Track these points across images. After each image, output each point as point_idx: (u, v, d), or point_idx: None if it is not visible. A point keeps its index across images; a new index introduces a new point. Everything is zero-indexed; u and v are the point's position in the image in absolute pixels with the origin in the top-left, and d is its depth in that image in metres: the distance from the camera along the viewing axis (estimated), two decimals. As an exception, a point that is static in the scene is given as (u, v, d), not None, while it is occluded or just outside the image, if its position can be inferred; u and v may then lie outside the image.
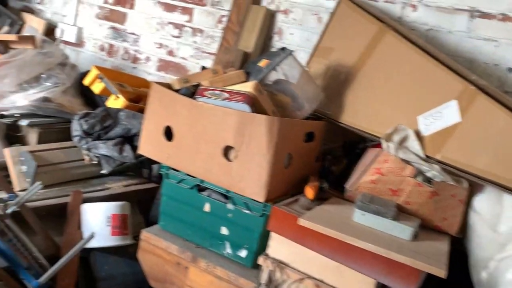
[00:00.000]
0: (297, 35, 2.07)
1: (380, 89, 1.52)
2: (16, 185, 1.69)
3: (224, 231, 1.51)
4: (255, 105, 1.36)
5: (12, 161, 1.72)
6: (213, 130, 1.38)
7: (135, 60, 2.57)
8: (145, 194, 2.02)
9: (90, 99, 2.20)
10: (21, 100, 1.84)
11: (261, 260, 1.30)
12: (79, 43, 2.74)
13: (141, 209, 1.99)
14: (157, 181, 2.11)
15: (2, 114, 1.82)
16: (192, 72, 2.36)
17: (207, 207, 1.53)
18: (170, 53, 2.44)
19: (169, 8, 2.42)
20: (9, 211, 1.47)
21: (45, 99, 1.88)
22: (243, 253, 1.48)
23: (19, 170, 1.72)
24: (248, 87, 1.36)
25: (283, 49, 1.55)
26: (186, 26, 2.38)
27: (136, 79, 2.41)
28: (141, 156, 1.95)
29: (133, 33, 2.56)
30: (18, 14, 2.74)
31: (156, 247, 1.60)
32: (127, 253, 1.76)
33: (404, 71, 1.49)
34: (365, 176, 1.33)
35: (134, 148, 1.97)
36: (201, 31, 2.33)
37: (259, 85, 1.37)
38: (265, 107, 1.39)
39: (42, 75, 1.96)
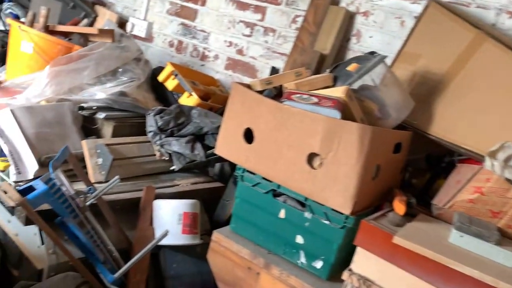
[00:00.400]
0: (377, 39, 1.98)
1: (479, 101, 1.41)
2: (92, 177, 1.71)
3: (300, 239, 1.46)
4: (345, 112, 1.30)
5: (88, 153, 1.74)
6: (299, 136, 1.33)
7: (203, 57, 2.56)
8: (211, 193, 2.01)
9: (161, 95, 2.21)
10: (99, 93, 1.87)
11: (345, 275, 1.24)
12: (148, 38, 2.77)
13: (205, 208, 1.97)
14: (223, 181, 2.10)
15: (82, 106, 1.85)
16: (261, 72, 2.33)
17: (282, 214, 1.49)
18: (240, 52, 2.41)
19: (242, 6, 2.39)
20: (88, 203, 1.49)
21: (122, 93, 1.90)
22: (318, 264, 1.43)
23: (95, 162, 1.74)
24: (339, 92, 1.30)
25: (372, 53, 1.48)
26: (257, 25, 2.34)
27: (204, 76, 2.41)
28: (211, 155, 1.95)
29: (203, 30, 2.55)
30: (92, 7, 2.80)
31: (227, 250, 1.57)
32: (194, 252, 1.75)
33: (509, 83, 1.37)
34: (462, 194, 1.24)
35: (205, 146, 1.95)
36: (273, 30, 2.29)
37: (350, 90, 1.31)
38: (355, 114, 1.32)
39: (119, 69, 1.98)
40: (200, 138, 1.96)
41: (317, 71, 1.91)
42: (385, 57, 1.42)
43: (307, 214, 1.42)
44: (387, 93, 1.44)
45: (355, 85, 1.43)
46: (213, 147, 1.95)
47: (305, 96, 1.31)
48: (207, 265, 1.67)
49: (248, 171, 1.53)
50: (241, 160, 1.51)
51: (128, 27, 2.79)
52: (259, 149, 1.45)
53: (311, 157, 1.33)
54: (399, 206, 1.28)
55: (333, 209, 1.34)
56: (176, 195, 1.84)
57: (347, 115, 1.31)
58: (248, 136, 1.49)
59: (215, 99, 2.22)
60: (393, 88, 1.44)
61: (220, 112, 2.13)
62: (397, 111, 1.45)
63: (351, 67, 1.40)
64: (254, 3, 2.34)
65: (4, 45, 2.55)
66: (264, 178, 1.49)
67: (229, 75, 2.45)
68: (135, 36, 2.79)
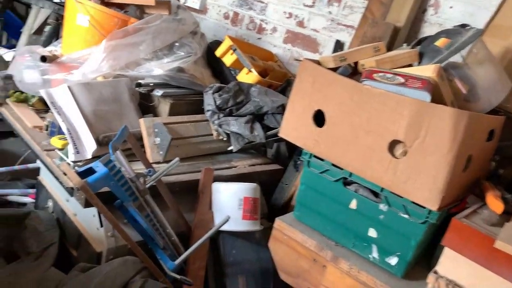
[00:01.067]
0: (458, 9, 1.76)
1: None
2: (150, 157, 1.64)
3: (372, 233, 1.33)
4: (434, 94, 1.13)
5: (146, 132, 1.67)
6: (380, 120, 1.18)
7: (260, 30, 2.42)
8: (268, 175, 1.91)
9: (217, 71, 2.10)
10: (157, 69, 1.78)
11: (431, 279, 1.11)
12: (202, 10, 2.65)
13: (263, 190, 1.88)
14: (279, 162, 1.99)
15: (139, 83, 1.78)
16: (323, 46, 2.17)
17: (353, 204, 1.36)
18: (300, 24, 2.25)
19: (303, -26, 2.22)
20: (148, 185, 1.43)
21: (179, 70, 1.80)
22: (393, 261, 1.30)
23: (153, 142, 1.67)
24: (428, 71, 1.13)
25: (463, 26, 1.29)
26: (320, -5, 2.17)
27: (262, 51, 2.27)
28: (271, 136, 1.83)
29: (260, 1, 2.40)
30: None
31: (291, 239, 1.47)
32: (253, 238, 1.67)
33: None
34: None
35: (263, 126, 1.84)
36: (338, 0, 2.10)
37: (441, 69, 1.14)
38: (445, 97, 1.16)
39: (175, 44, 1.88)
40: (259, 117, 1.84)
41: (390, 46, 1.73)
42: (481, 31, 1.23)
43: (383, 206, 1.29)
44: (479, 73, 1.25)
45: (444, 63, 1.26)
46: (273, 128, 1.84)
47: (389, 75, 1.15)
48: (267, 251, 1.58)
49: (316, 156, 1.40)
50: (309, 145, 1.38)
51: (182, -1, 2.68)
52: (331, 134, 1.31)
53: (393, 145, 1.19)
54: (496, 203, 1.12)
55: (413, 202, 1.20)
56: (234, 177, 1.76)
57: (436, 97, 1.15)
58: (318, 118, 1.35)
59: (273, 76, 2.09)
60: (487, 67, 1.25)
61: (280, 90, 2.00)
62: (491, 93, 1.27)
63: (440, 42, 1.23)
64: (317, -29, 2.16)
65: (59, 18, 2.52)
66: (334, 165, 1.36)
67: (288, 49, 2.30)
68: (188, 8, 2.67)
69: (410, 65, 1.30)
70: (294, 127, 1.42)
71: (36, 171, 2.24)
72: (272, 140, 1.87)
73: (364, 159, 1.25)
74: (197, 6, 2.63)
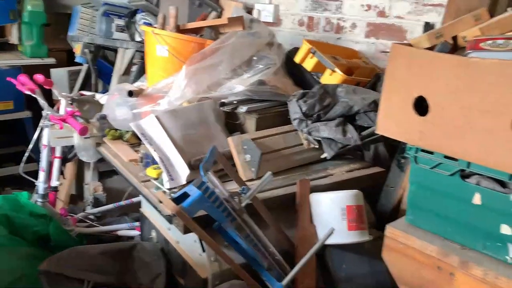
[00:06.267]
0: None
1: None
2: (242, 175, 1.59)
3: (506, 230, 1.13)
4: None
5: (236, 150, 1.63)
6: (497, 96, 1.00)
7: (338, 29, 2.30)
8: (370, 180, 1.76)
9: (299, 78, 2.02)
10: (238, 86, 1.75)
11: None
12: (275, 22, 2.61)
13: (366, 197, 1.72)
14: (380, 164, 1.83)
15: (223, 102, 1.76)
16: (411, 32, 1.98)
17: (477, 199, 1.17)
18: (381, 14, 2.09)
19: (376, -40, 2.07)
20: (243, 204, 1.37)
21: (260, 82, 1.75)
22: (538, 261, 1.08)
23: (243, 159, 1.62)
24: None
25: None
26: (398, -22, 2.00)
27: (344, 50, 2.15)
28: (366, 137, 1.69)
29: None
30: (216, 1, 2.74)
31: (407, 247, 1.31)
32: (363, 249, 1.53)
33: None
34: None
35: (357, 127, 1.70)
36: (420, -20, 1.92)
37: None
38: None
39: (253, 58, 1.84)
40: (351, 118, 1.71)
41: (491, 15, 1.51)
42: None
43: (515, 197, 1.08)
44: None
45: None
46: (367, 127, 1.69)
47: (500, 42, 0.97)
48: (381, 263, 1.43)
49: (423, 150, 1.24)
50: (414, 138, 1.22)
51: (254, 14, 2.66)
52: (438, 121, 1.14)
53: (518, 122, 1.00)
54: None
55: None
56: (332, 186, 1.64)
57: None
58: (419, 107, 1.20)
59: (360, 73, 1.95)
60: None
61: (369, 86, 1.86)
62: None
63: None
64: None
65: (143, 56, 2.64)
66: (446, 157, 1.18)
67: (372, 43, 2.15)
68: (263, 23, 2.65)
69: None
70: (393, 121, 1.27)
71: (140, 204, 2.32)
72: (368, 141, 1.73)
73: (483, 144, 1.06)
74: (270, 19, 2.60)
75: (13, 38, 3.04)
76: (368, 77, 1.93)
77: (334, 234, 1.38)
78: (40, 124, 1.98)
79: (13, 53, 3.12)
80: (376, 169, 1.79)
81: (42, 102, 1.93)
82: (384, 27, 2.08)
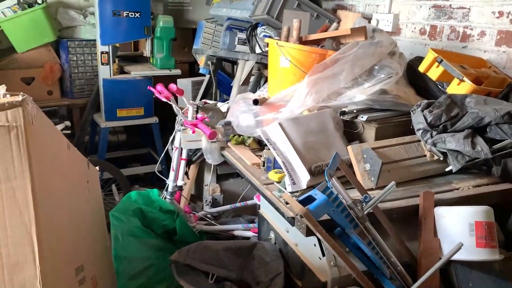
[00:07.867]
0: None
1: None
2: (361, 184, 1.59)
3: None
4: None
5: (355, 159, 1.64)
6: None
7: (464, 38, 2.19)
8: (499, 197, 1.65)
9: (421, 88, 1.97)
10: (358, 95, 1.76)
11: None
12: (395, 31, 2.57)
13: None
14: (510, 180, 1.70)
15: (343, 111, 1.79)
16: (551, 39, 1.82)
17: None
18: (515, 21, 1.96)
19: (511, -36, 1.94)
20: (365, 212, 1.38)
21: (382, 92, 1.75)
22: None
23: (363, 168, 1.63)
24: None
25: None
26: (537, -18, 1.85)
27: (470, 58, 2.05)
28: (498, 150, 1.59)
29: (461, 7, 2.19)
30: (333, 13, 2.78)
31: (547, 270, 1.21)
32: (492, 269, 1.44)
33: None
34: None
35: (487, 140, 1.61)
36: None
37: None
38: None
39: (375, 67, 1.84)
40: (480, 130, 1.63)
41: None
42: None
43: None
44: None
45: None
46: (499, 141, 1.59)
47: None
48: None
49: None
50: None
51: (373, 24, 2.65)
52: None
53: None
54: None
55: None
56: (458, 200, 1.57)
57: None
58: None
59: (490, 82, 1.84)
60: None
61: (502, 97, 1.75)
62: None
63: None
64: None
65: (261, 67, 2.77)
66: None
67: (503, 51, 2.01)
68: (380, 33, 2.62)
69: None
70: (534, 134, 1.19)
71: (253, 207, 2.43)
72: (499, 155, 1.62)
73: None
74: (389, 29, 2.56)
75: (146, 51, 3.39)
76: (499, 87, 1.82)
77: (462, 250, 1.33)
78: (176, 128, 2.19)
79: (145, 64, 3.48)
80: (506, 185, 1.67)
81: (176, 108, 2.13)
82: (518, 34, 1.95)
